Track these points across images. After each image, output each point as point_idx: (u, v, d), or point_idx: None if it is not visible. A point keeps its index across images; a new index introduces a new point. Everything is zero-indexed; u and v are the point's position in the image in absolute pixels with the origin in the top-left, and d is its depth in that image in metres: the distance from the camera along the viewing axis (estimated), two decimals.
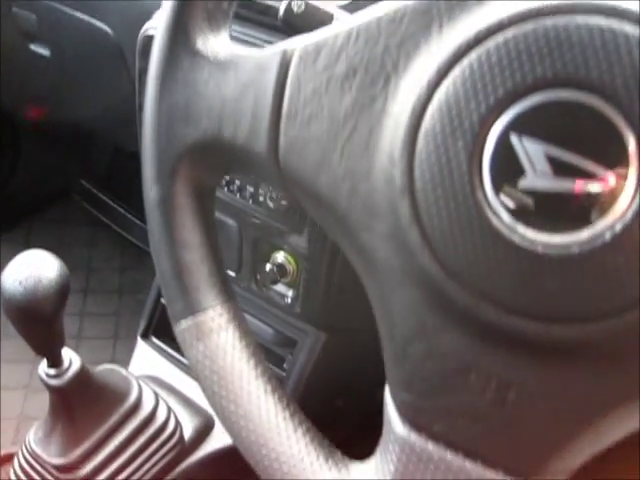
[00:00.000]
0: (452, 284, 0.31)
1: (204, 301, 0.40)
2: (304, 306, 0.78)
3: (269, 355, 0.86)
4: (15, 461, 0.76)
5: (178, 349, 0.92)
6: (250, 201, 0.73)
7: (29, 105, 1.16)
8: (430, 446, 0.33)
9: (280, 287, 0.78)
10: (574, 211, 0.28)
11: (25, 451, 0.73)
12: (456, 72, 0.30)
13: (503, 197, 0.29)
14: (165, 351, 0.92)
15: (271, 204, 0.70)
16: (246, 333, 0.40)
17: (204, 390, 0.40)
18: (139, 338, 0.94)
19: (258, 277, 0.79)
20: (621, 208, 0.27)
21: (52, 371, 0.66)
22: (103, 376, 0.72)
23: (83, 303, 1.23)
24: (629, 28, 0.27)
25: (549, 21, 0.28)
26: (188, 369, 0.90)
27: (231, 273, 0.80)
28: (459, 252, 0.30)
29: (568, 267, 0.28)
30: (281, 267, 0.75)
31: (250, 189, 0.73)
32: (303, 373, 0.84)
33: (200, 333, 0.39)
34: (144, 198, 0.41)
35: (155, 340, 0.93)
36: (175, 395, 0.86)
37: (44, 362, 0.67)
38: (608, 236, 0.27)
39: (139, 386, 0.75)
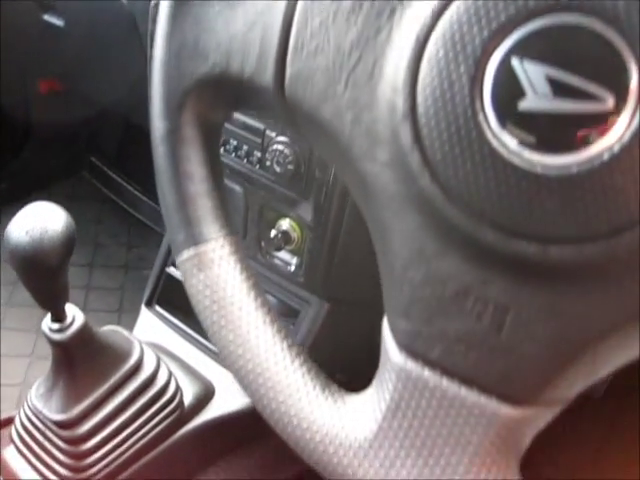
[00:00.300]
0: (452, 208, 0.31)
1: (207, 233, 0.40)
2: (307, 275, 0.78)
3: None
4: (17, 418, 0.77)
5: (181, 318, 0.93)
6: (257, 166, 0.74)
7: (42, 78, 1.17)
8: (426, 373, 0.33)
9: (284, 254, 0.78)
10: (573, 132, 0.28)
11: (26, 407, 0.74)
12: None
13: (504, 120, 0.30)
14: (168, 320, 0.93)
15: (278, 169, 0.70)
16: (247, 267, 0.40)
17: (203, 320, 0.40)
18: (143, 306, 0.94)
19: (263, 244, 0.79)
20: (620, 129, 0.28)
21: (55, 326, 0.67)
22: (106, 335, 0.73)
23: (89, 277, 1.24)
24: None
25: None
26: (191, 337, 0.91)
27: None
28: (459, 175, 0.30)
29: (566, 187, 0.28)
30: (286, 234, 0.75)
31: (257, 154, 0.73)
32: (304, 344, 0.85)
33: (201, 263, 0.39)
34: (151, 133, 0.42)
35: (159, 309, 0.94)
36: (177, 362, 0.86)
37: (48, 317, 0.68)
38: (606, 157, 0.28)
39: (141, 348, 0.75)
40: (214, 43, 0.39)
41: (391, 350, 0.35)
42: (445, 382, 0.33)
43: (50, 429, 0.72)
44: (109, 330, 0.75)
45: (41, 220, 0.60)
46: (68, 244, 0.61)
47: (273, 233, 0.76)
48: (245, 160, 0.75)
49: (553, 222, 0.29)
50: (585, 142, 0.28)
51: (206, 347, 0.89)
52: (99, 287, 1.22)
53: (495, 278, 0.31)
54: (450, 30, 0.30)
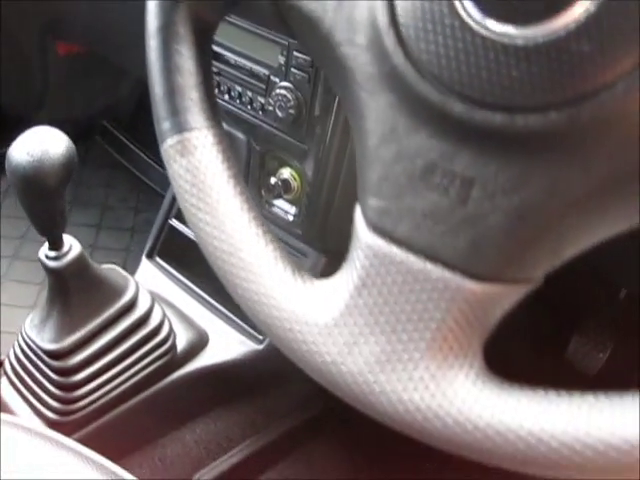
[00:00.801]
0: (423, 82, 0.32)
1: (192, 121, 0.41)
2: (305, 225, 0.79)
3: None
4: (11, 349, 0.78)
5: (181, 270, 0.94)
6: (260, 112, 0.74)
7: (60, 40, 1.19)
8: (393, 249, 0.34)
9: (283, 203, 0.79)
10: (541, 3, 0.29)
11: (20, 338, 0.75)
12: None
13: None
14: (168, 271, 0.94)
15: (280, 113, 0.71)
16: (229, 157, 0.41)
17: (181, 203, 0.41)
18: (144, 257, 0.96)
19: (263, 193, 0.80)
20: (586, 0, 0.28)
21: (52, 253, 0.68)
22: (102, 270, 0.74)
23: (96, 238, 1.26)
24: None
25: None
26: (189, 289, 0.91)
27: None
28: (431, 50, 0.31)
29: (533, 56, 0.29)
30: (285, 182, 0.76)
31: (260, 100, 0.74)
32: None
33: (184, 149, 0.40)
34: (145, 28, 0.43)
35: (159, 260, 0.95)
36: (173, 309, 0.87)
37: (45, 245, 0.69)
38: (573, 26, 0.28)
39: (137, 286, 0.76)
40: None
41: (360, 229, 0.35)
42: (411, 257, 0.33)
43: (42, 360, 0.73)
44: (106, 267, 0.76)
45: (43, 142, 0.61)
46: (68, 166, 0.62)
47: (273, 181, 0.77)
48: (249, 106, 0.76)
49: (519, 91, 0.29)
50: (553, 12, 0.29)
51: (203, 299, 0.90)
52: (105, 247, 1.23)
53: (462, 152, 0.32)
54: None
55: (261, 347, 0.85)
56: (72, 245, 0.69)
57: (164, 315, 0.78)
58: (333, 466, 0.97)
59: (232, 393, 0.90)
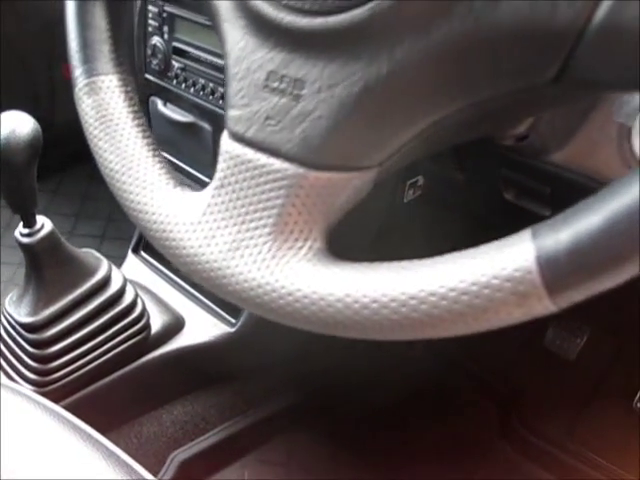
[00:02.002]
0: (263, 3, 0.37)
1: (99, 68, 0.46)
2: None
3: None
4: None
5: (164, 263, 0.99)
6: (220, 101, 0.80)
7: (65, 63, 1.27)
8: (244, 150, 0.38)
9: None
10: None
11: (1, 314, 0.81)
12: None
13: None
14: (152, 264, 0.99)
15: None
16: (132, 97, 0.46)
17: (87, 135, 0.46)
18: (130, 251, 1.01)
19: None
20: None
21: (25, 230, 0.74)
22: (75, 250, 0.79)
23: (99, 246, 1.33)
24: None
25: None
26: (171, 280, 0.97)
27: (205, 179, 0.87)
28: None
29: None
30: None
31: (221, 90, 0.80)
32: None
33: (91, 91, 0.46)
34: None
35: (144, 254, 1.00)
36: (151, 295, 0.92)
37: (20, 225, 0.75)
38: None
39: (109, 266, 0.81)
40: None
41: (223, 139, 0.40)
42: (258, 155, 0.38)
43: (19, 333, 0.78)
44: (82, 250, 0.82)
45: (9, 124, 0.68)
46: (34, 145, 0.68)
47: None
48: (211, 97, 0.81)
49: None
50: None
51: (182, 287, 0.95)
52: (108, 255, 1.30)
53: (295, 58, 0.36)
54: None
55: (233, 330, 0.90)
56: (44, 224, 0.75)
57: (137, 295, 0.83)
58: (313, 453, 1.00)
59: (210, 376, 0.94)
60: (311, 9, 0.35)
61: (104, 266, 0.81)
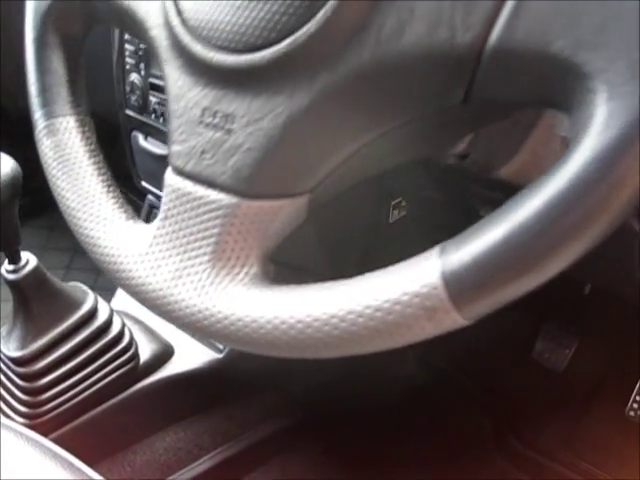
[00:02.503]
0: (196, 43, 0.39)
1: (58, 110, 0.49)
2: None
3: None
4: None
5: None
6: None
7: None
8: (185, 183, 0.41)
9: None
10: None
11: None
12: None
13: None
14: None
15: None
16: (89, 137, 0.49)
17: (47, 175, 0.48)
18: None
19: None
20: None
21: (11, 267, 0.76)
22: (61, 283, 0.81)
23: (95, 280, 1.35)
24: None
25: None
26: None
27: None
28: (198, 17, 0.39)
29: (249, 12, 0.37)
30: None
31: None
32: None
33: (50, 132, 0.48)
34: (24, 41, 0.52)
35: None
36: (140, 325, 0.94)
37: (6, 262, 0.77)
38: None
39: (95, 298, 0.84)
40: None
41: (167, 174, 0.42)
42: (196, 187, 0.40)
43: (9, 367, 0.80)
44: (68, 284, 0.84)
45: None
46: (14, 184, 0.71)
47: None
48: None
49: (251, 36, 0.37)
50: None
51: None
52: (103, 288, 1.32)
53: (225, 94, 0.39)
54: None
55: (221, 356, 0.91)
56: (29, 259, 0.77)
57: (124, 325, 0.85)
58: (309, 474, 1.01)
59: (201, 402, 0.96)
60: (236, 47, 0.37)
61: (90, 299, 0.83)
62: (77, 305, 0.82)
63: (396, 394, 1.11)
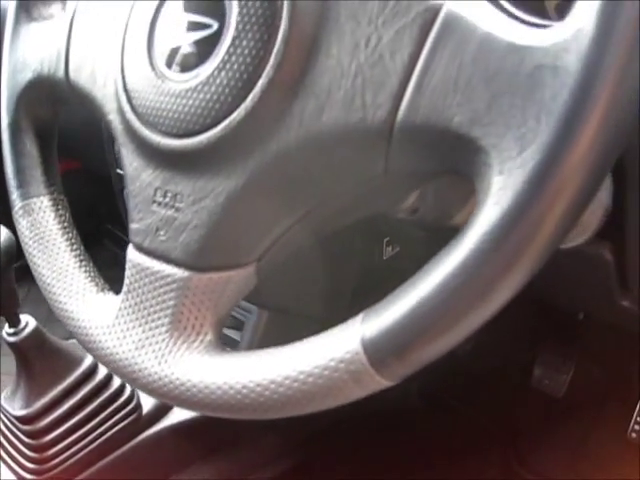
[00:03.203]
0: (145, 128, 0.43)
1: (33, 191, 0.52)
2: None
3: (227, 340, 0.96)
4: None
5: None
6: None
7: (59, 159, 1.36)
8: (143, 259, 0.44)
9: None
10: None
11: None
12: None
13: (160, 62, 0.42)
14: None
15: None
16: (62, 215, 0.52)
17: (25, 252, 0.52)
18: None
19: None
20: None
21: (11, 330, 0.80)
22: (61, 342, 0.85)
23: None
24: None
25: None
26: None
27: None
28: (145, 105, 0.42)
29: (187, 101, 0.40)
30: None
31: None
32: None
33: (26, 213, 0.52)
34: None
35: None
36: None
37: (6, 325, 0.81)
38: (203, 77, 0.39)
39: None
40: (32, 57, 0.53)
41: (129, 249, 0.45)
42: (153, 262, 0.43)
43: (15, 425, 0.83)
44: (66, 342, 0.87)
45: None
46: (8, 252, 0.74)
47: None
48: None
49: (190, 122, 0.40)
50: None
51: None
52: None
53: (174, 175, 0.42)
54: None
55: None
56: (28, 321, 0.81)
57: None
58: None
59: (205, 448, 0.98)
60: (178, 132, 0.40)
61: (89, 355, 0.86)
62: (77, 362, 0.85)
63: (399, 428, 1.13)
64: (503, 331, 1.09)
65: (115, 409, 0.87)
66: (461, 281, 0.31)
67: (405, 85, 0.34)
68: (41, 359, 0.82)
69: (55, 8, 0.56)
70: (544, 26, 0.32)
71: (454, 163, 0.34)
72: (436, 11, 0.33)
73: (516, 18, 0.33)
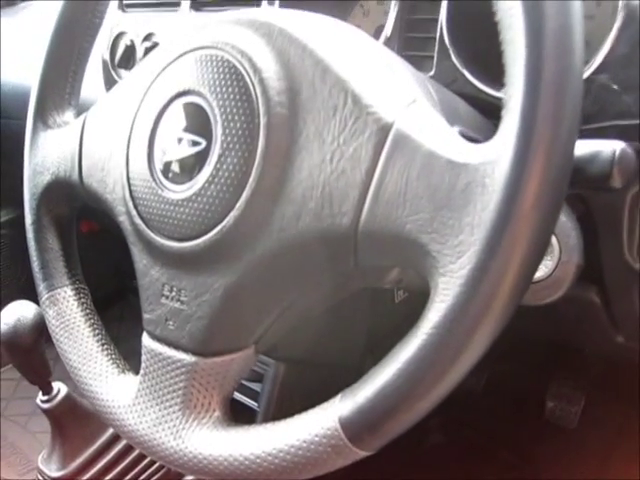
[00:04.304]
0: (151, 232, 0.48)
1: (57, 283, 0.58)
2: None
3: (246, 390, 1.01)
4: None
5: None
6: None
7: (82, 219, 1.42)
8: (157, 345, 0.49)
9: None
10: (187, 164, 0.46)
11: (36, 471, 0.92)
12: None
13: (159, 173, 0.47)
14: None
15: None
16: (84, 303, 0.58)
17: (54, 339, 0.57)
18: None
19: None
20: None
21: (44, 397, 0.86)
22: (89, 405, 0.90)
23: None
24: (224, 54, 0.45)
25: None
26: None
27: None
28: (150, 212, 0.48)
29: (187, 207, 0.45)
30: None
31: None
32: (270, 403, 0.98)
33: (52, 303, 0.57)
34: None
35: None
36: None
37: (40, 393, 0.87)
38: (196, 188, 0.45)
39: None
40: (50, 161, 0.59)
41: (143, 336, 0.50)
42: (165, 349, 0.48)
43: None
44: None
45: (16, 312, 0.81)
46: (37, 328, 0.80)
47: None
48: None
49: (187, 228, 0.45)
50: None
51: None
52: None
53: (178, 273, 0.47)
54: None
55: None
56: (60, 388, 0.87)
57: None
58: None
59: None
60: (178, 237, 0.46)
61: None
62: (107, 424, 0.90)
63: (422, 462, 1.16)
64: (514, 367, 1.12)
65: (147, 464, 0.92)
66: (416, 368, 0.36)
67: (364, 197, 0.39)
68: (74, 423, 0.88)
69: (68, 116, 0.62)
70: (480, 141, 0.37)
71: (410, 262, 0.39)
72: (387, 130, 0.39)
73: (457, 134, 0.38)
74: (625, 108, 0.58)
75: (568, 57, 0.33)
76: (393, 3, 0.70)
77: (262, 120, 0.42)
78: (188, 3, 0.87)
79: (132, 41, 0.93)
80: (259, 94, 0.43)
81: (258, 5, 0.80)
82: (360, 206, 0.39)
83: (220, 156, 0.44)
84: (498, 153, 0.34)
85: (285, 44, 0.44)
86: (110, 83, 1.02)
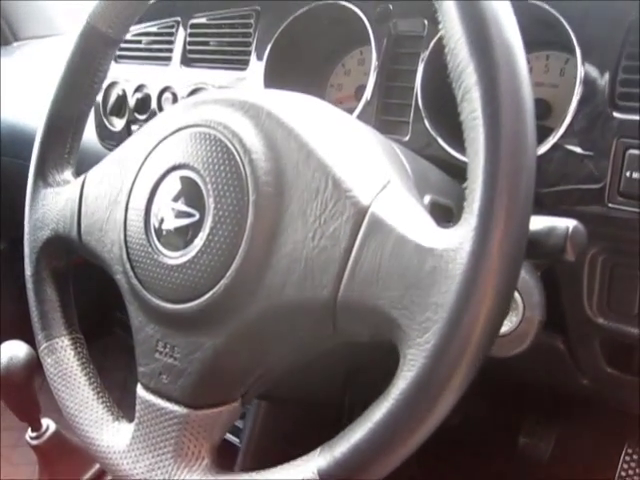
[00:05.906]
0: (146, 292, 0.52)
1: (54, 332, 0.62)
2: None
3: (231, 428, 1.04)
4: None
5: None
6: None
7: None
8: (150, 397, 0.52)
9: None
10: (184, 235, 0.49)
11: None
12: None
13: (155, 240, 0.51)
14: None
15: None
16: (80, 352, 0.61)
17: (51, 386, 0.60)
18: None
19: None
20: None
21: (33, 434, 0.89)
22: (77, 440, 0.93)
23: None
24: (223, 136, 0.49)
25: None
26: None
27: None
28: (146, 274, 0.52)
29: (179, 273, 0.49)
30: None
31: None
32: (251, 439, 1.02)
33: (50, 352, 0.61)
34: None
35: None
36: None
37: (29, 429, 0.90)
38: (189, 256, 0.49)
39: None
40: (49, 218, 0.63)
41: (137, 387, 0.54)
42: (158, 400, 0.52)
43: None
44: None
45: (9, 352, 0.84)
46: (29, 367, 0.83)
47: None
48: None
49: (182, 292, 0.49)
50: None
51: None
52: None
53: (171, 331, 0.51)
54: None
55: None
56: (49, 425, 0.90)
57: None
58: None
59: None
60: (172, 299, 0.50)
61: None
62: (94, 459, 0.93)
63: None
64: (487, 404, 1.16)
65: None
66: (386, 429, 0.40)
67: (343, 272, 0.44)
68: (62, 457, 0.91)
69: (67, 174, 0.66)
70: (447, 226, 0.41)
71: (383, 333, 0.43)
72: (363, 214, 0.43)
73: (426, 215, 0.43)
74: (587, 173, 0.63)
75: (521, 159, 0.38)
76: (373, 67, 0.75)
77: (251, 197, 0.47)
78: (179, 58, 0.92)
79: (124, 91, 0.98)
80: (249, 173, 0.47)
81: (246, 63, 0.85)
82: (339, 280, 0.44)
83: (212, 228, 0.48)
84: (459, 241, 0.39)
85: (273, 126, 0.48)
86: (101, 127, 1.06)
